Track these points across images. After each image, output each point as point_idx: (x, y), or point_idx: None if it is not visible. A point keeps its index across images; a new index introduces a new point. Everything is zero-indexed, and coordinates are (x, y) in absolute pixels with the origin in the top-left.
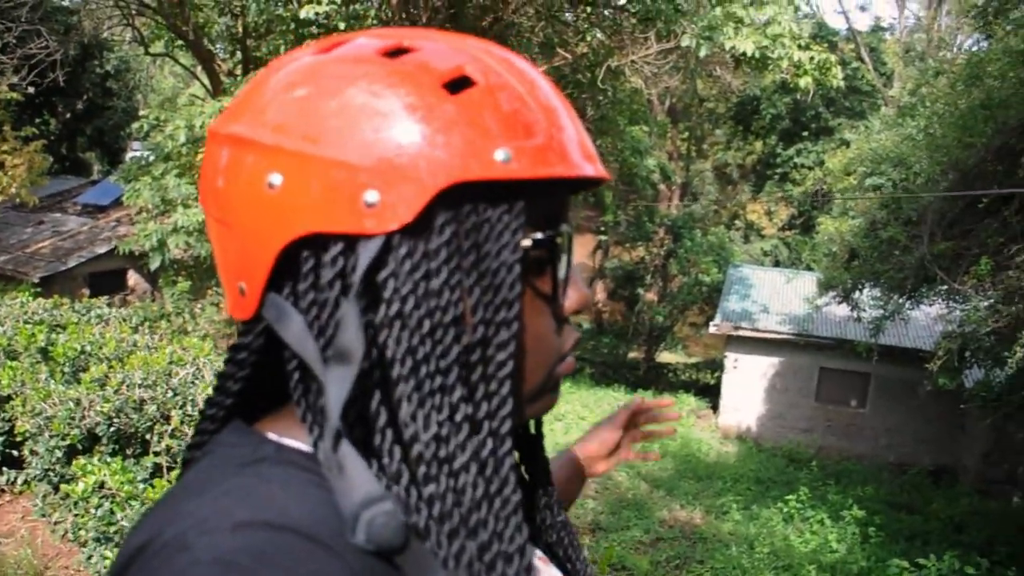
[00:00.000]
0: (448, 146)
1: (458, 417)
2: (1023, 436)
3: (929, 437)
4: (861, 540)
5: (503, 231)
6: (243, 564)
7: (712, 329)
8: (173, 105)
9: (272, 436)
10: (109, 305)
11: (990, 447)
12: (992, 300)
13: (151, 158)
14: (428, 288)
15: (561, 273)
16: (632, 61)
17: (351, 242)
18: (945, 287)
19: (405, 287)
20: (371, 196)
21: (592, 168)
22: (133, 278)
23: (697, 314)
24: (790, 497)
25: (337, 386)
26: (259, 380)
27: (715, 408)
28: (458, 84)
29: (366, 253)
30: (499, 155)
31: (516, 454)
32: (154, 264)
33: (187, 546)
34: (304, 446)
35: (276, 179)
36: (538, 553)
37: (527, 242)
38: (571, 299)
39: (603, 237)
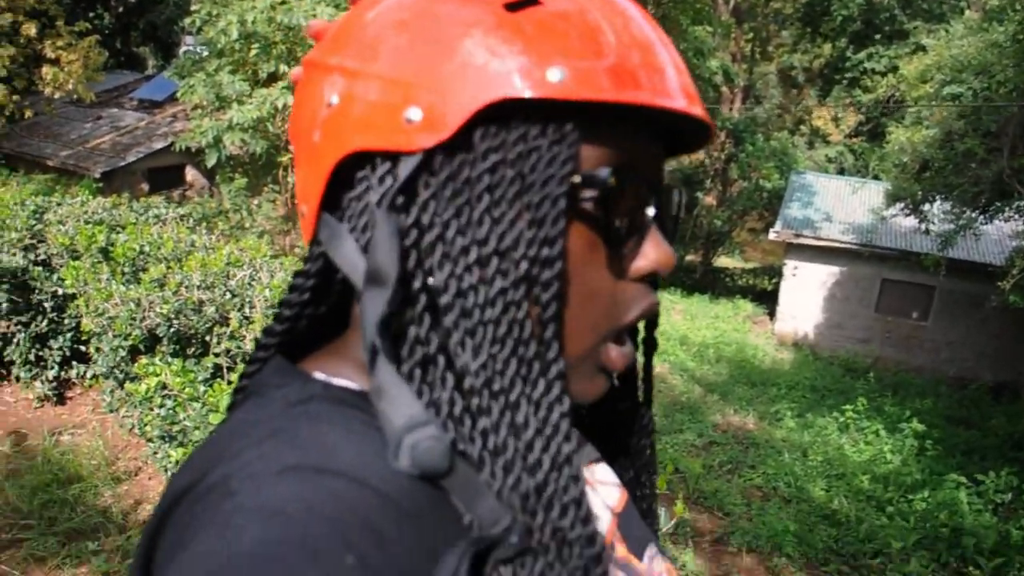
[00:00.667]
0: (496, 62)
1: (506, 352)
2: None
3: (992, 352)
4: (917, 453)
5: (552, 160)
6: (288, 512)
7: (772, 235)
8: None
9: (319, 375)
10: (168, 201)
11: None
12: None
13: (204, 53)
14: (471, 216)
15: (620, 222)
16: None
17: (396, 159)
18: (1023, 202)
19: (447, 212)
20: (413, 113)
21: (683, 102)
22: (191, 174)
23: (756, 220)
24: (847, 407)
25: (372, 305)
26: (308, 317)
27: (771, 315)
28: (521, 4)
29: (404, 170)
30: (553, 74)
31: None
32: (211, 161)
33: (231, 491)
34: (353, 384)
35: (334, 99)
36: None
37: (577, 177)
38: (647, 258)
39: None
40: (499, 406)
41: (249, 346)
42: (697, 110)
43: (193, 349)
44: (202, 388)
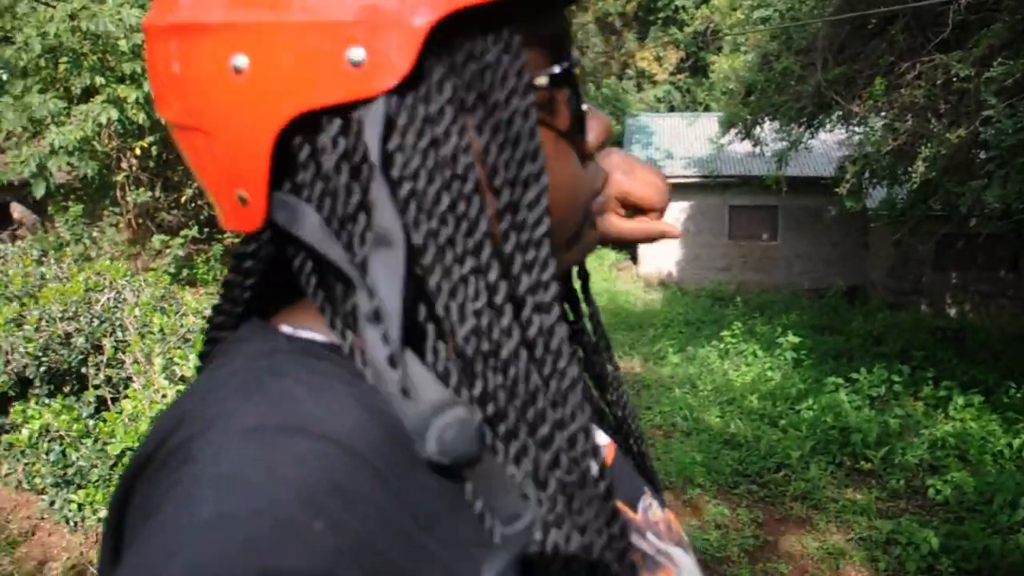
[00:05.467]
0: None
1: (499, 299)
2: (924, 248)
3: (838, 259)
4: (794, 365)
5: (508, 73)
6: (250, 478)
7: None
8: (14, 15)
9: (285, 328)
10: (1, 242)
11: (895, 262)
12: (888, 119)
13: (5, 76)
14: (439, 157)
15: (582, 106)
16: None
17: (346, 115)
18: (842, 112)
19: (414, 161)
20: (355, 54)
21: None
22: (17, 210)
23: None
24: (723, 333)
25: (385, 279)
26: (274, 280)
27: (634, 259)
28: None
29: (370, 120)
30: None
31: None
32: (38, 192)
33: (192, 457)
34: (320, 336)
35: (241, 61)
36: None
37: (542, 80)
38: (594, 131)
39: None
40: (493, 365)
41: (131, 370)
42: None
43: (70, 385)
44: (91, 423)
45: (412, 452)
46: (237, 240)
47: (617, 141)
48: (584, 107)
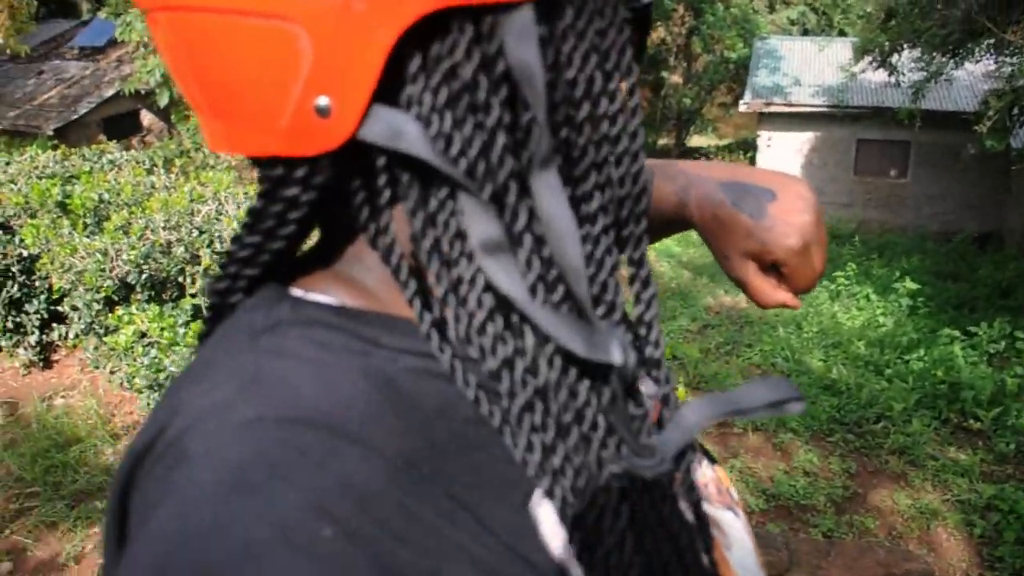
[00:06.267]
0: None
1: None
2: None
3: (974, 202)
4: (909, 312)
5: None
6: (251, 481)
7: (742, 107)
8: None
9: (295, 292)
10: (126, 148)
11: None
12: None
13: None
14: (577, 79)
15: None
16: None
17: (477, 20)
18: (994, 40)
19: (577, 78)
20: None
21: None
22: (148, 117)
23: (725, 93)
24: (836, 274)
25: (552, 199)
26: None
27: None
28: None
29: (514, 28)
30: None
31: None
32: (163, 101)
33: (187, 455)
34: (330, 299)
35: None
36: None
37: (627, 13)
38: None
39: None
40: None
41: None
42: None
43: (169, 293)
44: (182, 331)
45: (434, 428)
46: None
47: (744, 66)
48: None
